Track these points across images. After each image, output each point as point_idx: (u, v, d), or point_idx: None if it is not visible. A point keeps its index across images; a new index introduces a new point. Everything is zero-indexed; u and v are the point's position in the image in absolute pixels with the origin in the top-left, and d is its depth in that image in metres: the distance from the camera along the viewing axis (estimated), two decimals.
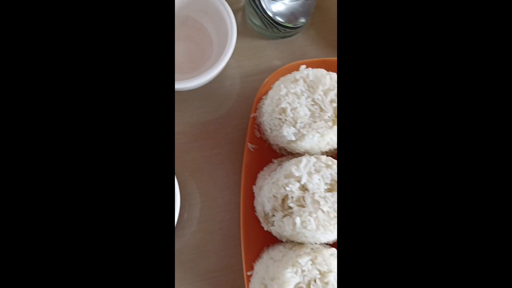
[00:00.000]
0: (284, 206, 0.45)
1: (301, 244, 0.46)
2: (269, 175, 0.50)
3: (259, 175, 0.53)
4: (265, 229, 0.49)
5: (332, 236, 0.43)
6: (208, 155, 0.58)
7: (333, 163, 0.45)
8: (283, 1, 0.54)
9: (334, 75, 0.48)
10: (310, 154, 0.48)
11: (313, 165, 0.45)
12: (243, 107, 0.60)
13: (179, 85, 0.51)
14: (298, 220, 0.43)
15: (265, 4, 0.55)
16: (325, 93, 0.47)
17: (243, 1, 0.64)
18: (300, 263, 0.42)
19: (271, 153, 0.55)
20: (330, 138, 0.46)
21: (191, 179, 0.58)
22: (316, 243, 0.46)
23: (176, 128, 0.58)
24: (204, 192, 0.57)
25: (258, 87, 0.57)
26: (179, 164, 0.58)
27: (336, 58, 0.58)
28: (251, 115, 0.55)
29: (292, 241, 0.48)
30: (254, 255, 0.51)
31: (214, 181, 0.57)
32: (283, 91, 0.47)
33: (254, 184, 0.53)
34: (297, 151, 0.50)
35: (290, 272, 0.41)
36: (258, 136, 0.55)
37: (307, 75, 0.47)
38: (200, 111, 0.60)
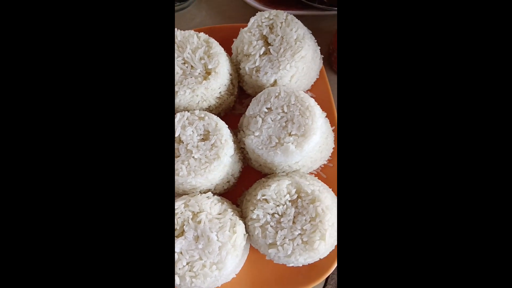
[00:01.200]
0: None
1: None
2: None
3: None
4: None
5: (202, 179, 0.46)
6: None
7: (206, 115, 0.48)
8: None
9: (202, 35, 0.51)
10: None
11: (187, 119, 0.48)
12: None
13: None
14: None
15: None
16: (194, 51, 0.50)
17: None
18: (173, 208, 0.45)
19: None
20: (201, 92, 0.50)
21: None
22: (198, 191, 0.49)
23: None
24: None
25: None
26: None
27: (224, 25, 0.61)
28: None
29: (180, 194, 0.51)
30: None
31: None
32: None
33: None
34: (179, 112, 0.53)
35: None
36: None
37: (176, 36, 0.50)
38: None
